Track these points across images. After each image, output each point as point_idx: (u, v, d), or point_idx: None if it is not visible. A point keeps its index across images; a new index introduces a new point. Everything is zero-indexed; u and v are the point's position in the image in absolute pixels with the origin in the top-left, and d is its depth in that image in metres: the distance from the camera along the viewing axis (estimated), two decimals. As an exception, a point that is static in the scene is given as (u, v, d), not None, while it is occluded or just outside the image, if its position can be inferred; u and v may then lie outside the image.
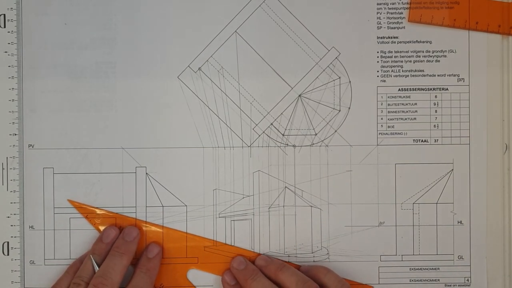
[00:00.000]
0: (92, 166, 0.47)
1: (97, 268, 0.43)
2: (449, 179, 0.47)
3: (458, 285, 0.48)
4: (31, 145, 0.47)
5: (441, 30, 0.47)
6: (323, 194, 0.47)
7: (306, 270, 0.46)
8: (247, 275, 0.45)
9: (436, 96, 0.48)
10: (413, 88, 0.48)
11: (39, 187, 0.47)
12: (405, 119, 0.48)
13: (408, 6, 0.47)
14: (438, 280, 0.47)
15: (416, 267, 0.47)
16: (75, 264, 0.46)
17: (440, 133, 0.48)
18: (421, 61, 0.47)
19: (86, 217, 0.47)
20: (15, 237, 0.47)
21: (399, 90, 0.48)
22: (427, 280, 0.47)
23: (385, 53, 0.47)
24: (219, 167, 0.47)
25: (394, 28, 0.47)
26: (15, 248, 0.47)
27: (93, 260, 0.44)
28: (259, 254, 0.47)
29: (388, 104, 0.48)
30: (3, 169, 0.47)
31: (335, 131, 0.47)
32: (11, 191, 0.47)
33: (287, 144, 0.47)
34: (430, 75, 0.48)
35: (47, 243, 0.47)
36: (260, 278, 0.45)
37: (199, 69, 0.47)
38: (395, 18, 0.47)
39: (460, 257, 0.48)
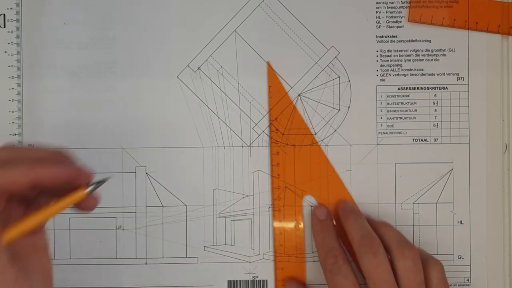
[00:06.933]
0: (92, 166, 0.47)
1: None
2: (449, 178, 0.47)
3: (458, 285, 0.47)
4: (31, 145, 0.47)
5: (440, 29, 0.47)
6: (323, 194, 0.47)
7: (370, 220, 0.45)
8: (319, 231, 0.44)
9: (435, 95, 0.48)
10: (412, 87, 0.48)
11: (39, 186, 0.47)
12: (405, 118, 0.48)
13: (407, 5, 0.47)
14: (438, 280, 0.47)
15: (416, 267, 0.47)
16: None
17: (439, 132, 0.47)
18: (421, 60, 0.47)
19: None
20: (15, 236, 0.47)
21: (398, 89, 0.48)
22: (427, 280, 0.47)
23: (385, 52, 0.47)
24: (219, 167, 0.47)
25: (394, 27, 0.47)
26: (14, 248, 0.47)
27: None
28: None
29: (388, 103, 0.48)
30: (3, 168, 0.47)
31: (335, 130, 0.47)
32: (11, 191, 0.47)
33: (287, 144, 0.47)
34: (429, 74, 0.48)
35: (46, 243, 0.47)
36: (345, 271, 0.41)
37: (198, 68, 0.47)
38: (394, 17, 0.47)
39: (460, 257, 0.47)
